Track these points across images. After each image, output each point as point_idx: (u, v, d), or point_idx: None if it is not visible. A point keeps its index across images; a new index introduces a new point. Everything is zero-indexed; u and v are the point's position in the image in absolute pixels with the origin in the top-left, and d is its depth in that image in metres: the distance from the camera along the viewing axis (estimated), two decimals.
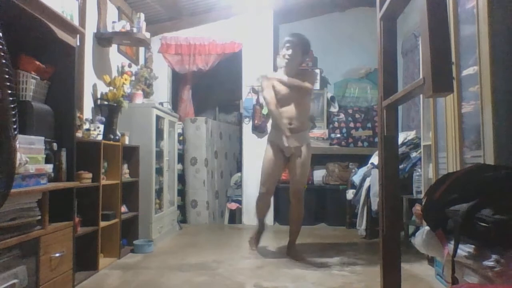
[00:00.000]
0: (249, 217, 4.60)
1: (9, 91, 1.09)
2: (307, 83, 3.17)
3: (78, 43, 2.83)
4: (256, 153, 4.40)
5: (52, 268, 2.03)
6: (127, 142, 3.37)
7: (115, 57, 3.87)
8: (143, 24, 3.63)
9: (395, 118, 1.31)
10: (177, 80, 5.20)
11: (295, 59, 3.20)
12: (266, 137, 3.70)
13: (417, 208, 3.20)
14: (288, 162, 3.26)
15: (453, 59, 2.14)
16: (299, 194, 3.22)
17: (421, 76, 0.91)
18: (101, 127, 3.00)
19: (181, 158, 4.75)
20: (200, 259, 3.12)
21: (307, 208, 4.64)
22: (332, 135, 4.83)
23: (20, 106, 1.40)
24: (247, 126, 4.87)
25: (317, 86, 4.90)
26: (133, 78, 4.08)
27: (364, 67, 5.04)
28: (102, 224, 2.82)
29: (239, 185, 5.00)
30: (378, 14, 1.39)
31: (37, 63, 2.21)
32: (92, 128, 2.91)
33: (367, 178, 3.91)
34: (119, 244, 3.11)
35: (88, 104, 3.27)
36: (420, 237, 1.38)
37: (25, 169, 1.82)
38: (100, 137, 2.93)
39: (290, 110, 3.17)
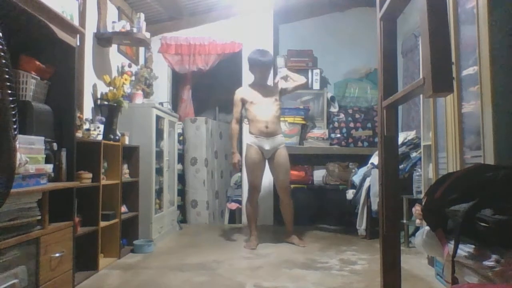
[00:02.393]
0: None
1: (9, 91, 1.09)
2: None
3: (78, 43, 2.83)
4: None
5: (52, 268, 2.03)
6: (127, 142, 3.37)
7: (115, 57, 3.87)
8: (143, 24, 3.63)
9: (395, 118, 1.31)
10: (177, 80, 5.20)
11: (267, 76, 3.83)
12: None
13: (417, 208, 3.19)
14: (270, 165, 3.73)
15: (453, 59, 2.14)
16: (286, 189, 3.73)
17: (421, 76, 0.91)
18: (101, 127, 3.00)
19: (181, 158, 4.75)
20: (200, 259, 3.12)
21: (307, 208, 4.70)
22: (332, 135, 4.82)
23: (20, 106, 1.40)
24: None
25: (317, 86, 4.92)
26: (133, 78, 4.08)
27: (364, 67, 5.03)
28: (102, 224, 2.82)
29: (239, 185, 4.99)
30: (378, 14, 1.39)
31: (37, 63, 2.21)
32: (92, 128, 2.91)
33: (367, 178, 3.91)
34: (119, 244, 3.11)
35: (88, 104, 3.27)
36: (420, 237, 1.38)
37: (25, 169, 1.82)
38: (100, 137, 2.94)
39: (265, 115, 3.65)
